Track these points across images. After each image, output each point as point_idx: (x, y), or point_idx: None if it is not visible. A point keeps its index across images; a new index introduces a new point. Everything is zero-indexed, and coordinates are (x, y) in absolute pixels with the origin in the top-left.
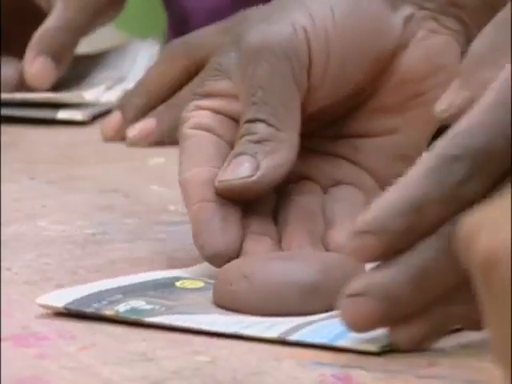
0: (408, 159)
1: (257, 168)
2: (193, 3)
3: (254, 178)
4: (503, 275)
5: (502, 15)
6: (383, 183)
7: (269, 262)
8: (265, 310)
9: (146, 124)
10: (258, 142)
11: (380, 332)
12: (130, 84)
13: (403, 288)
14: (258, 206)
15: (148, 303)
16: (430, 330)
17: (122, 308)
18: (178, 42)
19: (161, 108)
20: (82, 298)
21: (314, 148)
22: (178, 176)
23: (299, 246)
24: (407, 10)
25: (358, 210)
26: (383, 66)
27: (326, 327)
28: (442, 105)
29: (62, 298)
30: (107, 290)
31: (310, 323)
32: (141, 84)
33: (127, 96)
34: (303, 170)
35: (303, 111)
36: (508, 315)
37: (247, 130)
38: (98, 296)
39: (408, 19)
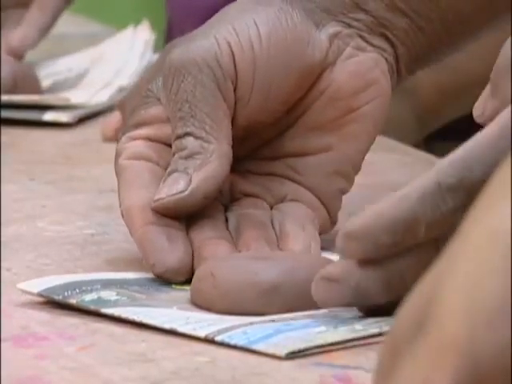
0: (344, 174)
1: (189, 182)
2: (194, 1)
3: (187, 192)
4: None
5: None
6: (323, 199)
7: (235, 260)
8: (224, 307)
9: (116, 119)
10: (188, 157)
11: (291, 339)
12: (124, 79)
13: (375, 286)
14: (210, 217)
15: (118, 294)
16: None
17: (88, 297)
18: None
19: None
20: (59, 286)
21: (254, 170)
22: (120, 207)
23: (257, 249)
24: (333, 28)
25: (308, 222)
26: (310, 82)
27: (259, 329)
28: (477, 111)
29: (41, 284)
30: (90, 281)
31: (250, 324)
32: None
33: (126, 96)
34: (248, 189)
35: (236, 126)
36: None
37: (177, 146)
38: (76, 285)
39: (333, 37)
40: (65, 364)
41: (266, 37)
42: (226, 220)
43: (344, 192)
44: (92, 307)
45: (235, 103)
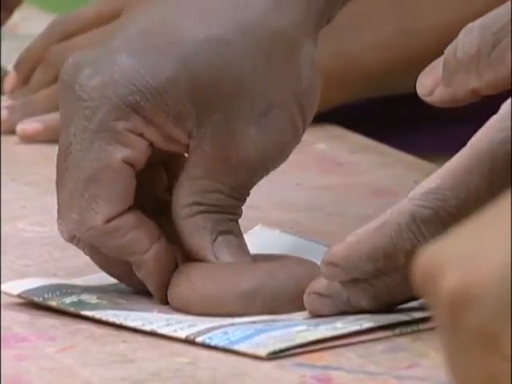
0: None
1: None
2: None
3: None
4: (477, 316)
5: (491, 16)
6: None
7: (211, 267)
8: (203, 310)
9: (30, 126)
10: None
11: (272, 338)
12: None
13: (366, 300)
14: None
15: (98, 298)
16: None
17: (68, 300)
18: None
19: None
20: (40, 287)
21: None
22: (96, 214)
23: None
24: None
25: None
26: None
27: (240, 330)
28: (424, 89)
29: (22, 286)
30: (71, 285)
31: (232, 324)
32: (40, 45)
33: (23, 56)
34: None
35: None
36: (480, 363)
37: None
38: (56, 288)
39: None
40: (45, 365)
41: None
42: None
43: None
44: (72, 309)
45: None
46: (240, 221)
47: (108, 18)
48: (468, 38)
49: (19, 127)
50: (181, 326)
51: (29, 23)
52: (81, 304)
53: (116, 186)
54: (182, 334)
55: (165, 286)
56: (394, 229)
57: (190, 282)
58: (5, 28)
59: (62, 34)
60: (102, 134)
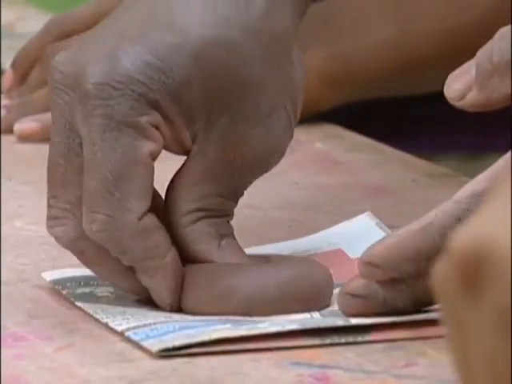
0: None
1: None
2: None
3: None
4: (497, 271)
5: None
6: None
7: (208, 264)
8: (188, 308)
9: (27, 126)
10: None
11: (184, 336)
12: None
13: (402, 301)
14: None
15: (112, 293)
16: None
17: (79, 290)
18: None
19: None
20: (70, 277)
21: None
22: (131, 212)
23: None
24: None
25: None
26: None
27: (169, 326)
28: (453, 93)
29: (60, 274)
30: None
31: (188, 321)
32: (35, 44)
33: (20, 55)
34: None
35: None
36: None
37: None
38: (84, 278)
39: None
40: (43, 364)
41: None
42: None
43: None
44: (71, 299)
45: None
46: (239, 221)
47: (105, 18)
48: (504, 42)
49: (17, 127)
50: (127, 320)
51: (26, 22)
52: (87, 296)
53: (146, 181)
54: (119, 328)
55: (178, 290)
56: (439, 231)
57: (186, 278)
58: (3, 27)
59: (59, 34)
60: (127, 130)
